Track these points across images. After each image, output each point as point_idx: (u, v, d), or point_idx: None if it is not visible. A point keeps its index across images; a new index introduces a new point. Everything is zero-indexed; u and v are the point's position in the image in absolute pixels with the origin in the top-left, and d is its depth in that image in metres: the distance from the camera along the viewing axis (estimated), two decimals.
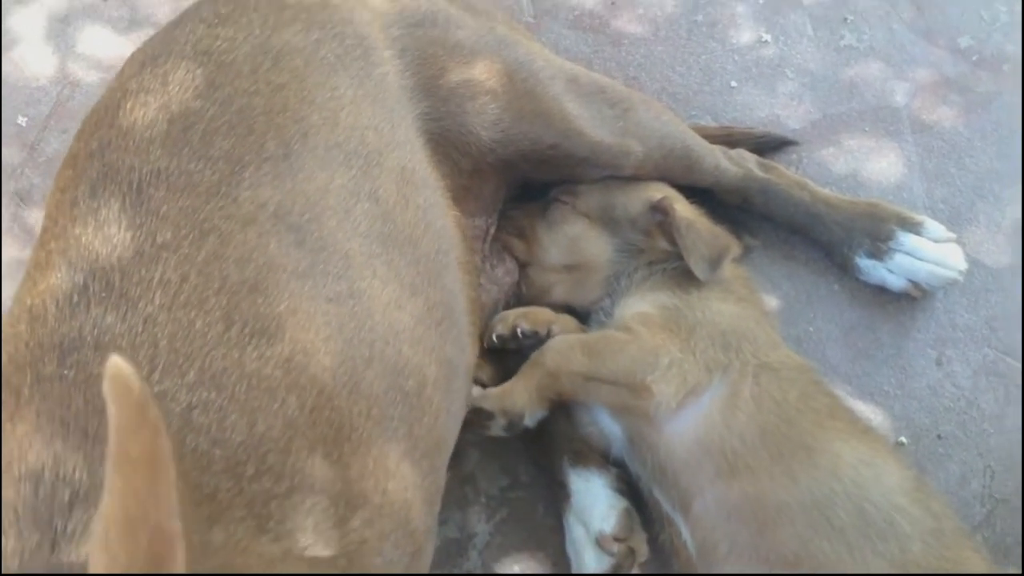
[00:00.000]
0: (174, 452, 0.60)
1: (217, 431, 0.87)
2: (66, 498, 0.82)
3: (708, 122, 1.62)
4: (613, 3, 1.73)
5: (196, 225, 0.96)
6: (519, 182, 1.44)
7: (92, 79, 1.70)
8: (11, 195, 1.60)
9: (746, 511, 1.17)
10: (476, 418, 1.26)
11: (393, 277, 1.07)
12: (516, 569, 1.33)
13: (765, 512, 1.16)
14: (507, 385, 1.29)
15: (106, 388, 0.57)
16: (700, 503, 1.20)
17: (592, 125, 1.35)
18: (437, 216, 1.20)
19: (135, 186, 0.98)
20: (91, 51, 1.73)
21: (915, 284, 1.44)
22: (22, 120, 1.65)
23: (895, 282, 1.45)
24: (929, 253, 1.43)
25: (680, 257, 1.34)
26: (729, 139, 1.56)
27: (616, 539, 1.27)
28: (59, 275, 0.95)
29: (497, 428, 1.27)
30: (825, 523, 1.14)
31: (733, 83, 1.67)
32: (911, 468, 1.23)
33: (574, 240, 1.41)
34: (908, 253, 1.44)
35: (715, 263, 1.33)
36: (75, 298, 0.92)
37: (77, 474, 0.83)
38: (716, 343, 1.26)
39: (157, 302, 0.91)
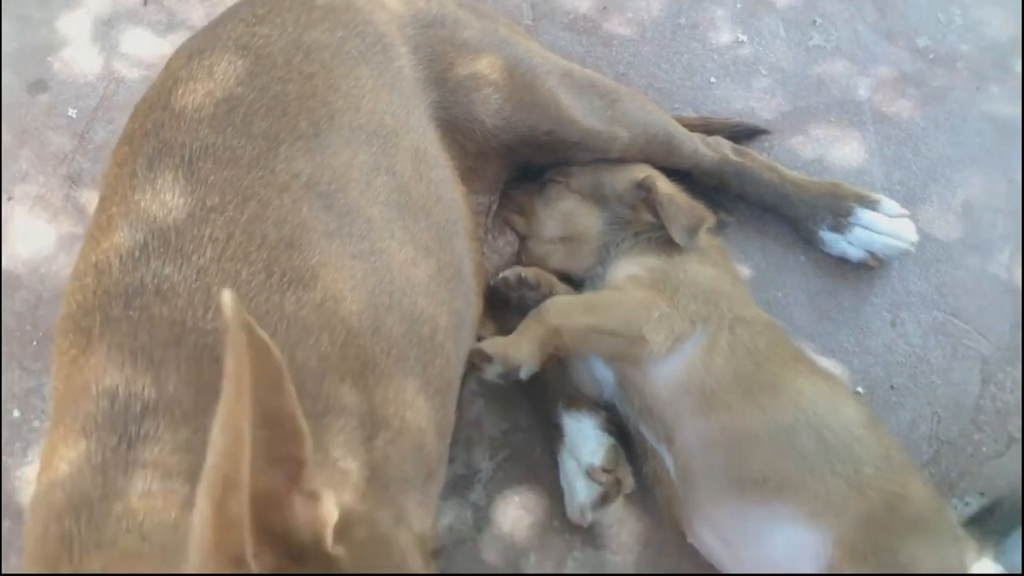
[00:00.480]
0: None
1: None
2: (138, 410, 0.98)
3: (689, 114, 1.80)
4: (604, 8, 1.92)
5: (239, 192, 1.13)
6: (519, 165, 1.61)
7: (134, 76, 1.88)
8: (63, 178, 1.78)
9: (721, 440, 1.34)
10: (476, 359, 1.41)
11: (409, 240, 1.25)
12: (516, 500, 1.50)
13: (737, 440, 1.34)
14: (512, 337, 1.45)
15: (227, 317, 0.68)
16: (682, 436, 1.37)
17: (583, 114, 1.53)
18: (447, 190, 1.37)
19: (186, 159, 1.15)
20: (133, 51, 1.91)
21: (872, 254, 1.62)
22: (72, 112, 1.84)
23: (854, 253, 1.63)
24: (885, 227, 1.61)
25: (662, 228, 1.52)
26: (707, 128, 1.73)
27: (604, 470, 1.44)
28: (121, 235, 1.11)
29: (492, 373, 1.40)
30: (789, 448, 1.31)
31: (712, 79, 1.85)
32: (864, 405, 1.41)
33: (567, 215, 1.59)
34: (866, 227, 1.61)
35: (693, 231, 1.51)
36: (136, 253, 1.08)
37: (146, 392, 0.99)
38: (698, 299, 1.43)
39: (208, 256, 1.08)
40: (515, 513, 1.50)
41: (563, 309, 1.44)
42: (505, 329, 1.53)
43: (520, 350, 1.41)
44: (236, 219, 1.10)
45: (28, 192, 1.74)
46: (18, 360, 1.57)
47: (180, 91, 1.23)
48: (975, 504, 1.48)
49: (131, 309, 1.05)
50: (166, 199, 1.12)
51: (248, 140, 1.17)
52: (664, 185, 1.56)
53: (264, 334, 0.69)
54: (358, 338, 1.11)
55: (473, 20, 1.49)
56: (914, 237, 1.60)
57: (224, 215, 1.10)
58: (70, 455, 0.97)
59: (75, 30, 1.94)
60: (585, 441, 1.47)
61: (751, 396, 1.35)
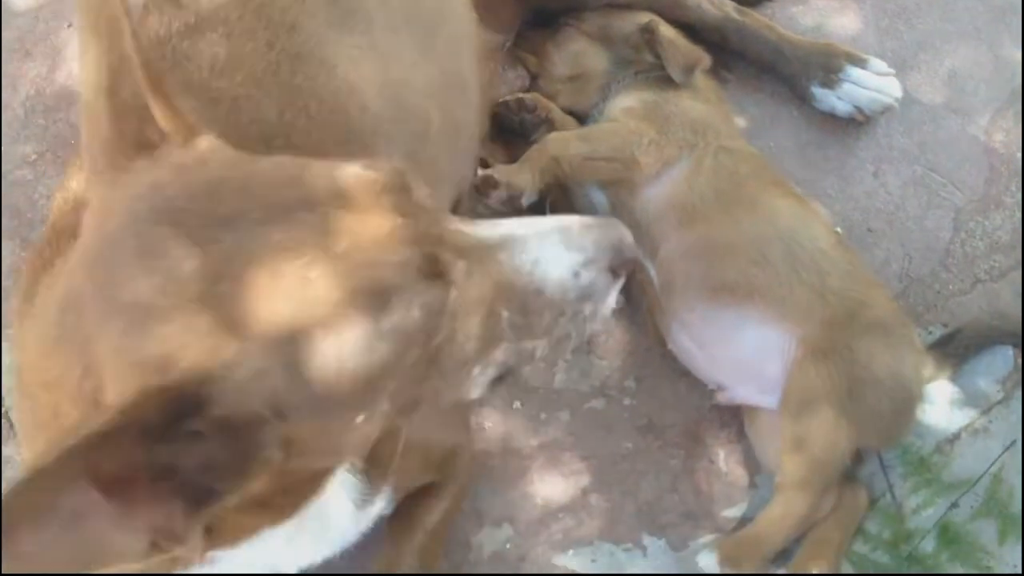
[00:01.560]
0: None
1: (255, 114, 1.16)
2: None
3: None
4: None
5: None
6: (534, 7, 1.74)
7: None
8: None
9: (700, 249, 1.48)
10: (482, 186, 1.54)
11: (412, 45, 1.36)
12: None
13: (714, 249, 1.47)
14: (516, 165, 1.59)
15: None
16: (665, 247, 1.51)
17: None
18: (459, 13, 1.49)
19: None
20: None
21: (859, 109, 1.74)
22: None
23: (843, 107, 1.75)
24: (872, 83, 1.73)
25: (662, 68, 1.65)
26: None
27: None
28: (153, 18, 1.23)
29: (497, 199, 1.53)
30: (761, 257, 1.44)
31: None
32: (834, 230, 1.54)
33: (577, 55, 1.72)
34: (854, 83, 1.73)
35: (689, 70, 1.63)
36: (161, 32, 1.20)
37: None
38: (686, 128, 1.56)
39: (219, 31, 1.20)
40: None
41: (561, 140, 1.57)
42: (513, 158, 1.67)
43: (522, 177, 1.54)
44: (246, 3, 1.23)
45: None
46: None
47: None
48: (938, 334, 1.60)
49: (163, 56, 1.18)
50: None
51: None
52: (666, 29, 1.68)
53: None
54: (345, 110, 1.22)
55: None
56: (898, 93, 1.72)
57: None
58: None
59: None
60: None
61: (729, 211, 1.48)
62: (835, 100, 1.74)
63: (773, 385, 1.40)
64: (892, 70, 1.74)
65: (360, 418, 0.79)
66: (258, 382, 0.71)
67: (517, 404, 1.57)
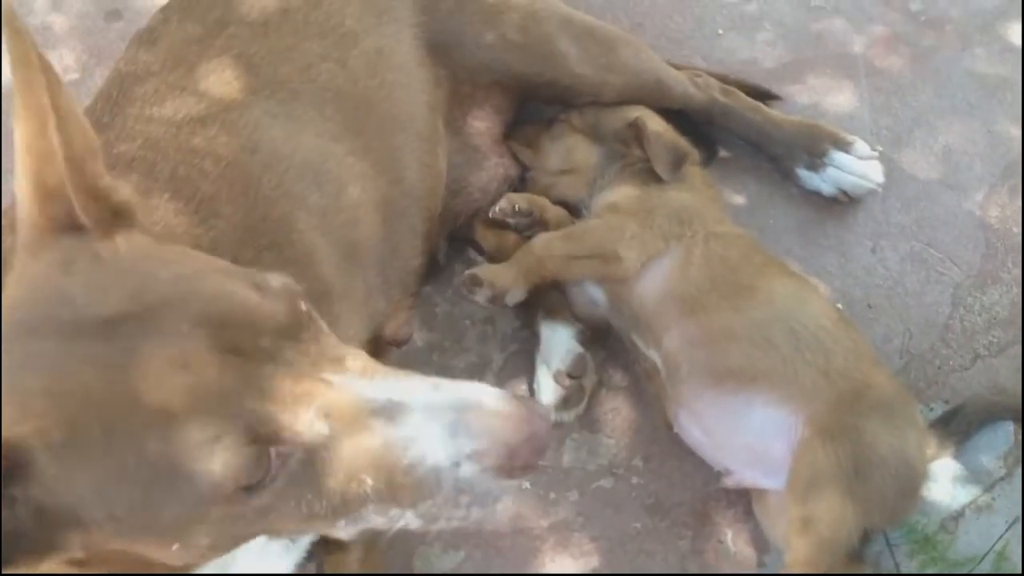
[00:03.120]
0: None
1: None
2: None
3: (698, 62, 1.97)
4: None
5: (178, 59, 1.37)
6: (520, 100, 1.78)
7: None
8: None
9: (703, 338, 1.51)
10: (468, 283, 1.60)
11: (338, 118, 1.42)
12: (522, 388, 1.67)
13: (716, 337, 1.50)
14: (502, 265, 1.63)
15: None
16: (668, 338, 1.53)
17: (577, 61, 1.69)
18: (404, 93, 1.54)
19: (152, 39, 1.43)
20: None
21: (843, 191, 1.79)
22: None
23: (827, 189, 1.80)
24: (855, 168, 1.78)
25: (644, 160, 1.69)
26: (724, 80, 1.89)
27: (569, 376, 1.61)
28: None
29: (482, 297, 1.59)
30: (764, 341, 1.47)
31: (720, 31, 2.03)
32: (833, 305, 1.57)
33: (569, 149, 1.76)
34: (838, 167, 1.78)
35: (675, 166, 1.67)
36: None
37: None
38: (671, 220, 1.59)
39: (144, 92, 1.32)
40: None
41: (546, 242, 1.62)
42: (503, 244, 1.72)
43: (507, 278, 1.59)
44: (169, 81, 1.34)
45: None
46: None
47: None
48: (939, 411, 1.63)
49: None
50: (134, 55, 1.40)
51: (202, 26, 1.41)
52: (654, 124, 1.72)
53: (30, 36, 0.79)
54: (245, 166, 1.28)
55: None
56: (880, 179, 1.77)
57: (160, 77, 1.34)
58: None
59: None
60: (556, 347, 1.64)
61: (727, 298, 1.51)
62: (819, 182, 1.80)
63: (779, 467, 1.42)
64: (875, 153, 1.79)
65: (175, 547, 0.79)
66: (67, 483, 0.73)
67: (526, 484, 1.58)
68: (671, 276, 1.55)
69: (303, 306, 0.86)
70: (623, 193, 1.67)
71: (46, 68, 0.81)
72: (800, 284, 1.55)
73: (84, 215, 0.82)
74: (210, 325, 0.78)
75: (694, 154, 1.72)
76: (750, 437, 1.47)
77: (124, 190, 0.89)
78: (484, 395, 0.83)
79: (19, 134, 0.81)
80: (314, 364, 0.82)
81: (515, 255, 1.63)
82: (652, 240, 1.57)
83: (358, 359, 0.86)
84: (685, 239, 1.56)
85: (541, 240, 1.62)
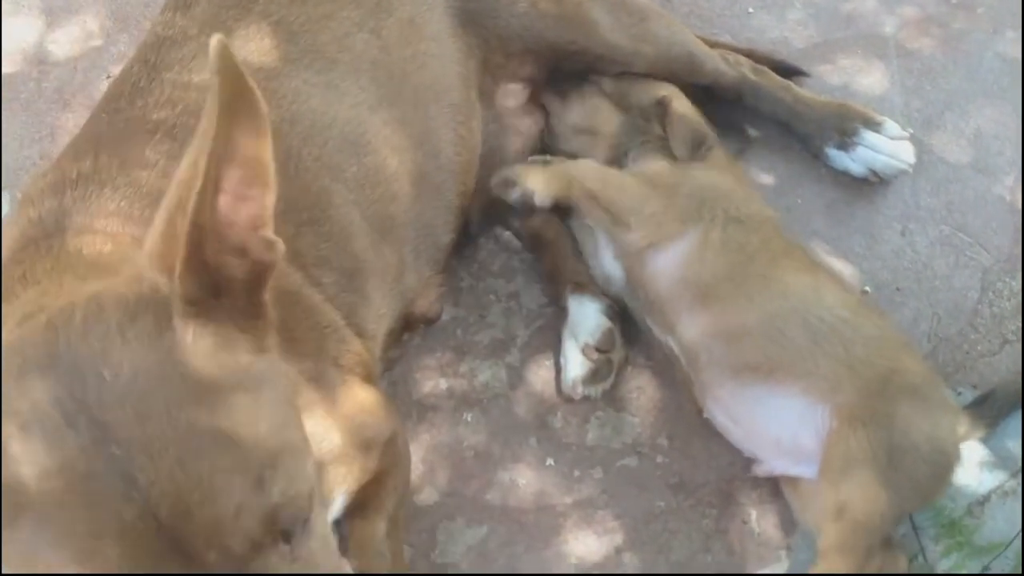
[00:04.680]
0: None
1: None
2: None
3: (727, 39, 1.95)
4: None
5: (215, 24, 1.33)
6: (551, 69, 1.73)
7: None
8: None
9: (717, 331, 1.49)
10: (501, 185, 1.59)
11: (373, 89, 1.40)
12: (547, 364, 1.66)
13: (731, 330, 1.48)
14: (538, 167, 1.63)
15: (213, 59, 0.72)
16: (682, 325, 1.52)
17: (609, 30, 1.67)
18: (437, 63, 1.52)
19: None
20: None
21: (873, 171, 1.76)
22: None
23: (857, 169, 1.77)
24: (886, 147, 1.75)
25: (663, 139, 1.67)
26: (752, 57, 1.87)
27: (598, 350, 1.60)
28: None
29: (513, 195, 1.58)
30: (779, 334, 1.45)
31: (750, 9, 2.00)
32: (854, 293, 1.55)
33: (593, 109, 1.74)
34: (868, 147, 1.75)
35: (694, 148, 1.65)
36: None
37: None
38: (692, 200, 1.57)
39: (175, 71, 1.28)
40: (546, 375, 1.66)
41: (586, 169, 1.61)
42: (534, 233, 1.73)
43: (537, 180, 1.58)
44: (203, 44, 1.29)
45: None
46: None
47: None
48: (967, 395, 1.61)
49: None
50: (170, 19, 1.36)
51: None
52: (680, 104, 1.69)
53: (251, 80, 0.74)
54: (285, 137, 1.27)
55: None
56: (912, 158, 1.74)
57: (198, 41, 1.31)
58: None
59: None
60: (584, 321, 1.63)
61: (741, 288, 1.49)
62: (849, 162, 1.77)
63: (810, 456, 1.41)
64: (906, 133, 1.77)
65: None
66: None
67: (550, 461, 1.58)
68: (687, 259, 1.53)
69: (307, 503, 0.79)
70: (649, 167, 1.65)
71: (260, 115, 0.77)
72: (815, 275, 1.52)
73: (178, 281, 0.77)
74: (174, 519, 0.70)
75: (711, 138, 1.69)
76: (777, 428, 1.46)
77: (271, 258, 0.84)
78: None
79: (178, 172, 0.76)
80: None
81: (555, 164, 1.63)
82: (668, 222, 1.55)
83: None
84: (704, 221, 1.55)
85: (582, 163, 1.62)
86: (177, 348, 0.76)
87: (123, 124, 1.24)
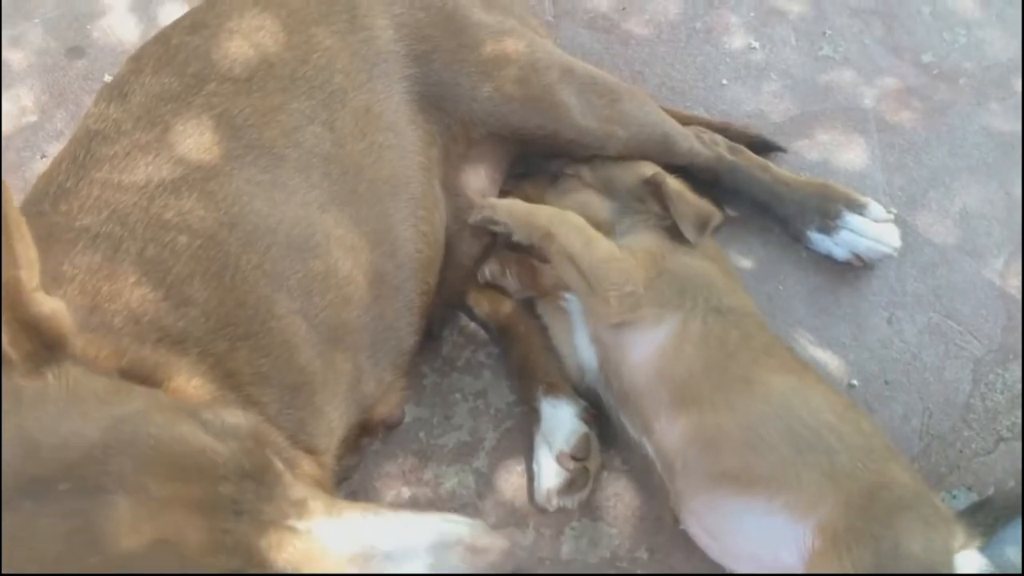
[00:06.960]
0: None
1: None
2: None
3: (701, 112, 1.87)
4: (624, 8, 1.99)
5: (152, 119, 1.24)
6: (518, 153, 1.65)
7: None
8: None
9: (695, 435, 1.38)
10: (481, 220, 1.53)
11: (325, 186, 1.31)
12: (518, 469, 1.55)
13: (708, 436, 1.37)
14: (521, 204, 1.54)
15: None
16: (659, 427, 1.41)
17: (580, 113, 1.57)
18: (395, 155, 1.42)
19: (123, 93, 1.30)
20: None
21: (857, 256, 1.68)
22: (108, 78, 1.89)
23: (840, 253, 1.69)
24: (869, 231, 1.67)
25: (662, 218, 1.57)
26: (727, 133, 1.79)
27: (574, 458, 1.49)
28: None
29: (477, 216, 1.53)
30: (759, 442, 1.34)
31: (724, 81, 1.92)
32: (840, 395, 1.45)
33: (583, 205, 1.63)
34: (852, 230, 1.67)
35: (702, 228, 1.56)
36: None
37: None
38: (674, 288, 1.47)
39: (105, 169, 1.19)
40: (517, 481, 1.54)
41: (571, 225, 1.50)
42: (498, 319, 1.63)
43: (512, 215, 1.51)
44: (141, 142, 1.22)
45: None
46: None
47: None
48: (962, 498, 1.53)
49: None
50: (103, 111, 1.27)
51: (179, 80, 1.28)
52: (672, 181, 1.60)
53: None
54: (222, 244, 1.17)
55: (478, 10, 1.53)
56: (897, 243, 1.66)
57: (132, 137, 1.23)
58: None
59: (115, 1, 2.00)
60: (559, 427, 1.52)
61: (720, 390, 1.38)
62: (832, 246, 1.69)
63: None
64: (890, 216, 1.68)
65: None
66: None
67: None
68: (664, 350, 1.43)
69: (260, 445, 0.80)
70: (638, 243, 1.55)
71: None
72: (800, 376, 1.42)
73: (12, 349, 0.74)
74: (158, 476, 0.72)
75: (719, 215, 1.60)
76: (756, 545, 1.35)
77: (60, 317, 0.80)
78: (462, 530, 0.80)
79: None
80: (278, 510, 0.78)
81: (544, 207, 1.54)
82: (646, 304, 1.45)
83: (318, 499, 0.82)
84: (684, 310, 1.45)
85: (569, 219, 1.51)
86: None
87: (45, 231, 1.12)
